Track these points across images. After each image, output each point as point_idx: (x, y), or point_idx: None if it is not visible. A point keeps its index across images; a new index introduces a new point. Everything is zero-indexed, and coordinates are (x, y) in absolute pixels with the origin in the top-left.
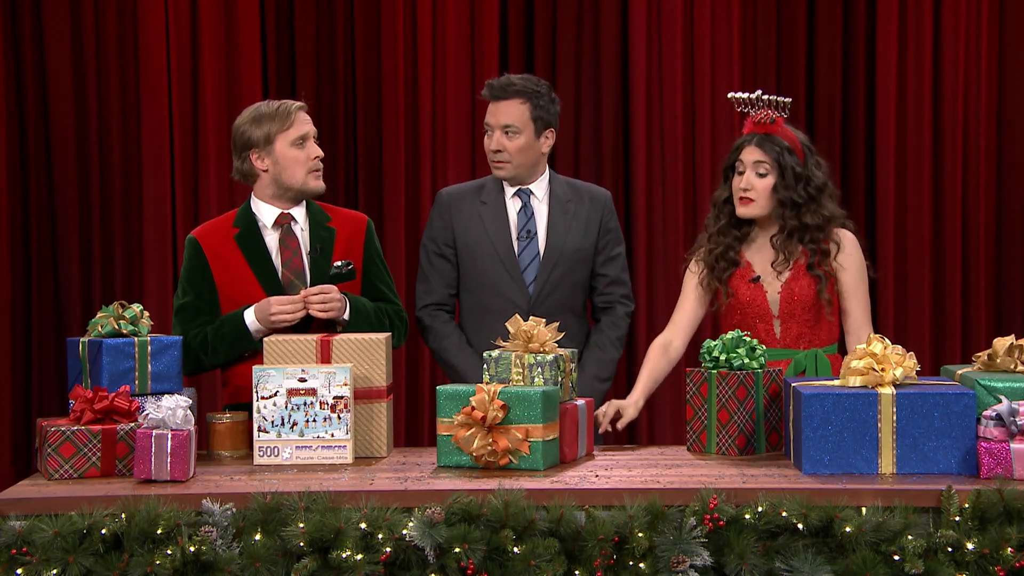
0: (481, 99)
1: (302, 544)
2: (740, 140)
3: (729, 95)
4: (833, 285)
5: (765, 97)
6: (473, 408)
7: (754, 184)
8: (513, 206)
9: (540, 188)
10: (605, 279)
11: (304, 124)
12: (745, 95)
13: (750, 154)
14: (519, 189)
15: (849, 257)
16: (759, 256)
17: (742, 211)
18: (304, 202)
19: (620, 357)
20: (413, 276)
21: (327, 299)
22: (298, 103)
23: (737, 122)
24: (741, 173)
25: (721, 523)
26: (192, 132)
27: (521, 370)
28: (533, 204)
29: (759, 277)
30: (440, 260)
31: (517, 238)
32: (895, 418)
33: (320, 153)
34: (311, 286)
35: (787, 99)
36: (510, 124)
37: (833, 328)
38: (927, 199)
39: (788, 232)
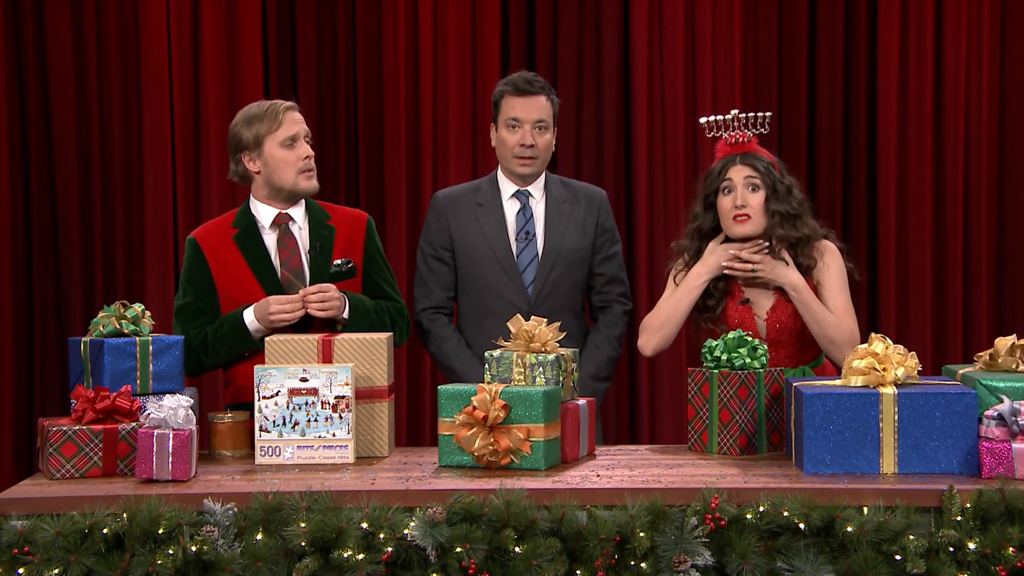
0: (478, 100)
1: (303, 544)
2: (721, 163)
3: (701, 120)
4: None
5: (742, 116)
6: (474, 408)
7: (748, 200)
8: (511, 207)
9: (537, 189)
10: (602, 278)
11: (293, 125)
12: (719, 117)
13: (738, 172)
14: (517, 190)
15: (826, 268)
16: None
17: (739, 230)
18: (303, 201)
19: (619, 356)
20: (414, 275)
21: (325, 298)
22: (287, 103)
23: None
24: (728, 193)
25: (723, 523)
26: (193, 132)
27: (523, 370)
28: (531, 205)
29: (748, 300)
30: (438, 263)
31: (516, 239)
32: (896, 418)
33: (310, 153)
34: (311, 285)
35: (767, 113)
36: (542, 119)
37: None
38: (928, 198)
39: (789, 244)
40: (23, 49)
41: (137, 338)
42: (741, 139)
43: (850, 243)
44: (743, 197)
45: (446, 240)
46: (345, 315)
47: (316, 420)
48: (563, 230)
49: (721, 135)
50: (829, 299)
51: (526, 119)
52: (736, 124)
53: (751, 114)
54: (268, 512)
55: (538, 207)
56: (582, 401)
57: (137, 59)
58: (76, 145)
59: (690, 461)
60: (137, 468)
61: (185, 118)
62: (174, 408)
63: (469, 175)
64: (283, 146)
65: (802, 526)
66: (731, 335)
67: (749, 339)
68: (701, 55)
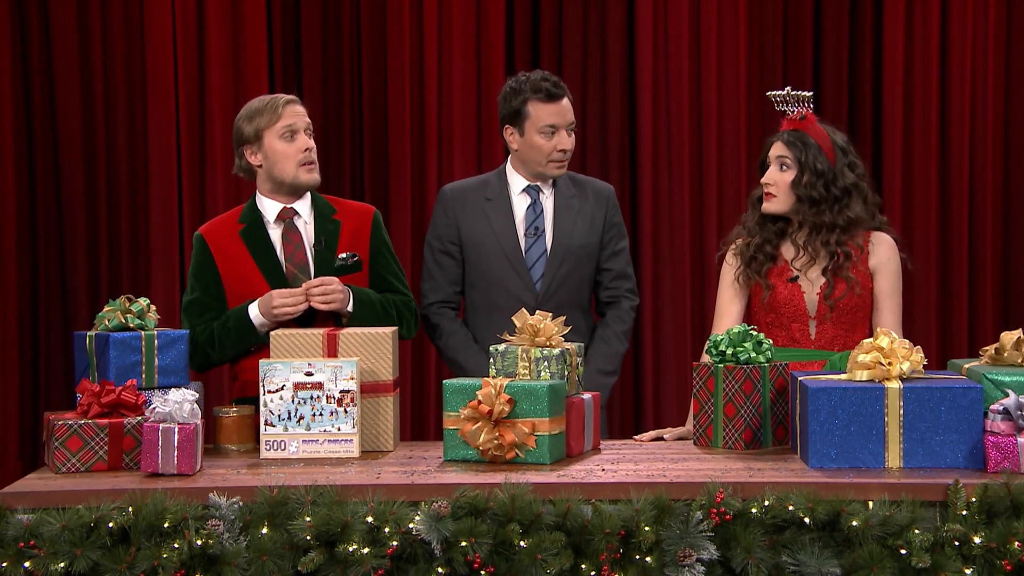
0: (483, 94)
1: (309, 538)
2: (772, 137)
3: (768, 93)
4: (864, 286)
5: (794, 93)
6: (479, 402)
7: (775, 179)
8: (521, 203)
9: (547, 184)
10: (610, 273)
11: (291, 117)
12: (776, 93)
13: (775, 149)
14: (528, 186)
15: (887, 262)
16: (796, 255)
17: (764, 206)
18: (309, 195)
19: (626, 351)
20: (420, 268)
21: (328, 291)
22: (288, 96)
23: (770, 118)
24: (766, 169)
25: (728, 517)
26: (199, 127)
27: (527, 364)
28: (542, 200)
29: (797, 276)
30: (445, 258)
31: (525, 235)
32: (902, 412)
33: (310, 145)
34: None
35: (807, 93)
36: (572, 121)
37: (867, 331)
38: (934, 193)
39: (809, 229)
40: (28, 45)
41: (142, 332)
42: (797, 116)
43: None
44: (770, 175)
45: (454, 234)
46: (349, 308)
47: (321, 414)
48: (572, 225)
49: (785, 109)
50: (883, 303)
51: (562, 124)
52: (788, 99)
53: (795, 92)
54: (273, 506)
55: (548, 202)
56: (587, 395)
57: (142, 55)
58: (81, 141)
59: (695, 455)
60: (143, 462)
61: (190, 114)
62: (179, 402)
63: (474, 169)
64: (282, 138)
65: (807, 520)
66: (736, 329)
67: (754, 333)
68: (706, 50)
